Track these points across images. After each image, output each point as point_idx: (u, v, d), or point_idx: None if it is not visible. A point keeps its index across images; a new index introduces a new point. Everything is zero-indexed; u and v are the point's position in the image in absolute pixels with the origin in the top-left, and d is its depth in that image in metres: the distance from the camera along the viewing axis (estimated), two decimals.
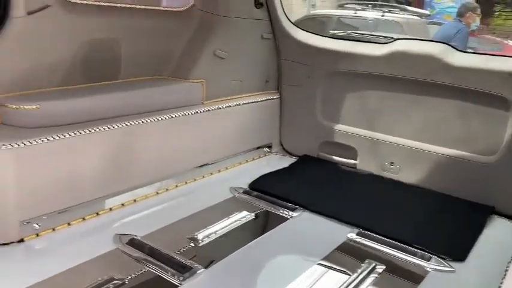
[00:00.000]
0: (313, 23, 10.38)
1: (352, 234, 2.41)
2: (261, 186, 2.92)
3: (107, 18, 2.55)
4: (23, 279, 1.88)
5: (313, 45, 3.39)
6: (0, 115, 2.19)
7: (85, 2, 2.45)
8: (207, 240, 2.28)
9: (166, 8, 2.89)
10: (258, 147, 3.59)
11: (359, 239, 2.37)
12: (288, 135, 3.69)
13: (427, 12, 11.22)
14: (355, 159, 3.35)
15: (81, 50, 2.46)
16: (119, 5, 2.60)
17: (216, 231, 2.37)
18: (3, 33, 2.12)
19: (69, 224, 2.32)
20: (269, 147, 3.68)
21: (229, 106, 3.16)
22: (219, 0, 3.02)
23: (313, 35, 3.47)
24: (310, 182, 3.07)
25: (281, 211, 2.65)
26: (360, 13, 9.53)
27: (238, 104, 3.25)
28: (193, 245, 2.24)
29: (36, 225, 2.18)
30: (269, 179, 3.08)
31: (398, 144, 3.13)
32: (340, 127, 3.39)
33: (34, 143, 2.10)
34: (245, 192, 2.86)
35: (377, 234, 2.40)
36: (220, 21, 3.05)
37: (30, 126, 2.21)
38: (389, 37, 3.25)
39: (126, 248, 2.15)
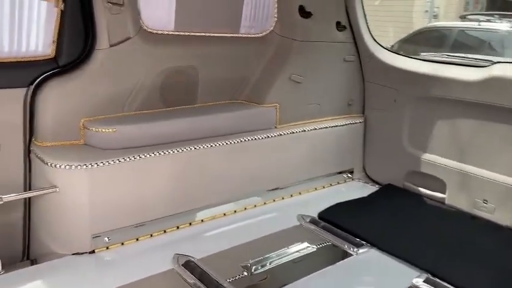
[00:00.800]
0: (430, 37, 9.75)
1: (418, 280, 2.18)
2: (331, 217, 2.81)
3: (185, 47, 2.70)
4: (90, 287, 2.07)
5: (401, 67, 3.19)
6: (83, 137, 2.45)
7: (165, 32, 2.62)
8: (259, 270, 2.26)
9: (244, 35, 2.96)
10: (339, 172, 3.47)
11: (425, 287, 2.14)
12: (372, 161, 3.50)
13: None
14: (444, 193, 3.05)
15: (159, 77, 2.64)
16: (197, 34, 2.73)
17: (271, 261, 2.33)
18: (88, 64, 2.37)
19: (137, 239, 2.48)
20: (351, 172, 3.53)
21: (304, 130, 3.11)
22: (299, 25, 3.00)
23: (401, 56, 3.26)
24: (388, 216, 2.87)
25: (346, 246, 2.51)
26: (484, 25, 8.67)
27: (315, 128, 3.18)
28: (245, 273, 2.24)
29: (107, 239, 2.38)
30: (342, 208, 2.95)
31: (493, 180, 2.77)
32: (428, 156, 3.12)
33: (107, 163, 2.30)
34: (312, 221, 2.78)
35: (447, 282, 2.14)
36: (299, 45, 3.03)
37: (108, 148, 2.43)
38: (488, 60, 2.89)
39: (181, 270, 2.22)
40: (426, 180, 3.14)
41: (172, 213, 2.59)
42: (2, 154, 2.30)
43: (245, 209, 2.90)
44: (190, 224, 2.67)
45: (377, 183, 3.44)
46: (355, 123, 3.44)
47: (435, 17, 15.12)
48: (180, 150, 2.55)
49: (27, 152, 2.37)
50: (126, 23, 2.41)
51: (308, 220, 2.79)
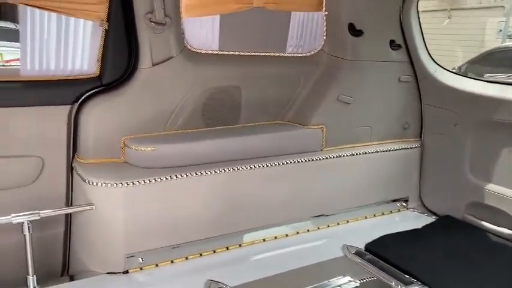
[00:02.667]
0: (503, 57, 9.13)
1: None
2: (379, 249, 2.59)
3: (229, 66, 2.65)
4: None
5: (462, 89, 2.93)
6: (124, 154, 2.45)
7: (209, 51, 2.59)
8: None
9: (291, 54, 2.86)
10: (392, 201, 3.23)
11: None
12: (429, 189, 3.23)
13: None
14: (510, 229, 2.72)
15: (202, 96, 2.60)
16: (241, 53, 2.67)
17: None
18: (131, 82, 2.39)
19: (172, 261, 2.42)
20: (405, 201, 3.28)
21: (353, 154, 2.93)
22: (349, 44, 2.85)
23: (462, 77, 3.01)
24: (444, 252, 2.59)
25: (393, 283, 2.29)
26: None
27: (365, 152, 2.99)
28: None
29: (141, 260, 2.33)
30: (392, 240, 2.71)
31: None
32: (492, 187, 2.81)
33: (143, 182, 2.27)
34: (358, 253, 2.57)
35: None
36: (349, 65, 2.88)
37: (147, 166, 2.40)
38: None
39: None
40: (490, 213, 2.83)
41: (209, 236, 2.51)
42: (46, 169, 2.35)
43: (286, 235, 2.75)
44: (227, 248, 2.56)
45: (434, 213, 3.16)
46: (411, 147, 3.20)
47: (510, 37, 14.21)
48: (219, 171, 2.47)
49: (70, 168, 2.41)
50: (169, 42, 2.40)
51: (353, 251, 2.59)
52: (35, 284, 2.13)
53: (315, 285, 2.23)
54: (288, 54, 2.86)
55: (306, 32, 2.87)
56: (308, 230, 2.83)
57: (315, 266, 2.44)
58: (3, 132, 2.22)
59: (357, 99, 2.94)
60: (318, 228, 2.87)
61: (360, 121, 3.03)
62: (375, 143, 3.10)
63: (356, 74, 2.91)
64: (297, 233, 2.79)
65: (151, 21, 2.28)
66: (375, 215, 3.11)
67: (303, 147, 2.81)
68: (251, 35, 2.73)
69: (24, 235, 2.09)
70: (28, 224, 2.09)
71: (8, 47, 8.69)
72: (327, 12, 2.79)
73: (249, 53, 2.70)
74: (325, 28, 2.85)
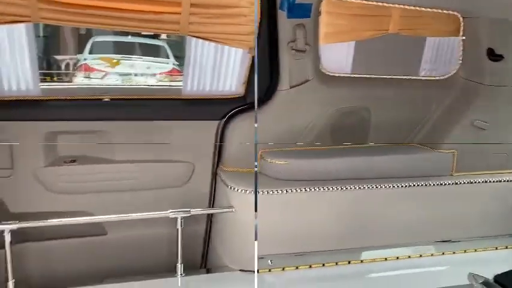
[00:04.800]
0: None
1: None
2: (510, 283, 2.47)
3: (360, 88, 2.78)
4: None
5: None
6: (260, 165, 2.73)
7: (341, 74, 2.76)
8: None
9: (424, 78, 2.90)
10: None
11: None
12: None
13: None
14: None
15: (333, 116, 2.78)
16: (374, 76, 2.80)
17: None
18: (270, 102, 2.67)
19: (296, 267, 2.62)
20: None
21: (486, 181, 2.84)
22: (487, 69, 2.79)
23: None
24: None
25: None
26: None
27: (500, 180, 2.87)
28: None
29: (270, 262, 2.58)
30: None
31: None
32: None
33: (276, 192, 2.52)
34: (485, 283, 2.48)
35: None
36: (486, 90, 2.81)
37: (279, 178, 2.65)
38: None
39: None
40: None
41: (332, 248, 2.66)
42: (195, 174, 2.74)
43: (409, 257, 2.77)
44: (349, 262, 2.68)
45: None
46: None
47: None
48: (347, 188, 2.61)
49: (214, 174, 2.77)
50: (306, 67, 2.63)
51: (481, 281, 2.51)
52: (181, 272, 2.50)
53: None
54: (421, 78, 2.90)
55: (440, 56, 2.89)
56: (432, 254, 2.81)
57: None
58: (165, 141, 2.66)
59: (494, 125, 2.85)
60: (443, 253, 2.83)
61: (495, 147, 2.92)
62: (510, 171, 2.95)
63: (494, 100, 2.83)
64: (420, 256, 2.79)
65: (292, 49, 2.54)
66: (507, 247, 2.96)
67: (432, 170, 2.81)
68: (384, 59, 2.84)
69: (177, 229, 2.48)
70: (181, 219, 2.47)
71: (156, 62, 9.88)
72: (464, 37, 2.77)
73: (380, 76, 2.81)
74: (461, 52, 2.83)
